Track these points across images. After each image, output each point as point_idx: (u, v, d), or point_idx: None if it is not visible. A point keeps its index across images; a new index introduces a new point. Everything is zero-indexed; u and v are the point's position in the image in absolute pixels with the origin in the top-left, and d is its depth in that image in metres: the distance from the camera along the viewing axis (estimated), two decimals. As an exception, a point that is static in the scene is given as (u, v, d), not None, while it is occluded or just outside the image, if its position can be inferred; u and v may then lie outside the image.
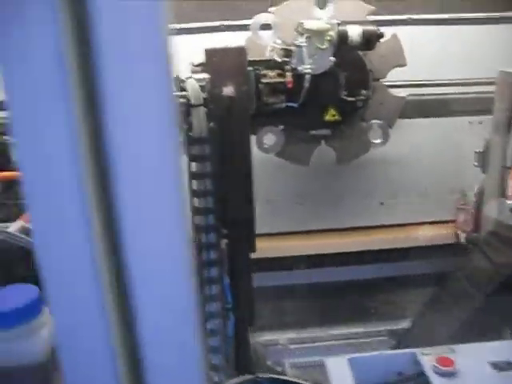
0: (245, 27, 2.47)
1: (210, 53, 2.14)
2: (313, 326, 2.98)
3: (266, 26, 2.36)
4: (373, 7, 2.40)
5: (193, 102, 1.88)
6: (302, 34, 2.20)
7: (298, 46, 2.20)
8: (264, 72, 2.22)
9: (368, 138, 2.56)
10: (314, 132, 2.48)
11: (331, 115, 2.45)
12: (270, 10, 2.37)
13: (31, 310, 1.19)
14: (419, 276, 2.94)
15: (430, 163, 2.92)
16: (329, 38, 2.19)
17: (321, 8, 2.35)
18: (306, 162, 2.57)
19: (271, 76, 2.20)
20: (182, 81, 1.90)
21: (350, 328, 2.99)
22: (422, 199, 2.98)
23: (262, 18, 2.32)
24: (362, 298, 3.02)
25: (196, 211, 1.95)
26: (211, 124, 1.90)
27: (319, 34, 2.18)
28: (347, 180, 2.92)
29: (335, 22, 2.19)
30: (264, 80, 2.20)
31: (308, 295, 3.00)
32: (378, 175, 2.93)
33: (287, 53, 2.28)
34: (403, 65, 2.46)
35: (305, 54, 2.20)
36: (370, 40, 2.22)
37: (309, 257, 2.87)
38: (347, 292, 2.97)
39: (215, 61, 2.13)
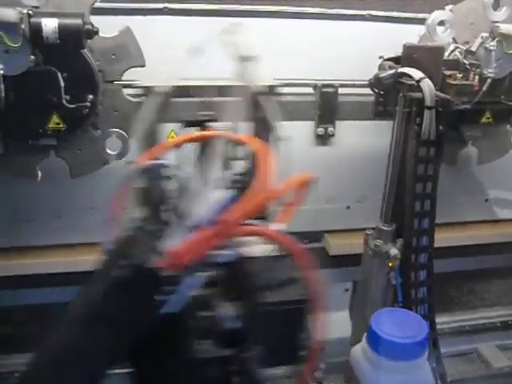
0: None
1: (411, 49, 2.10)
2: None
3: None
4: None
5: (428, 103, 1.84)
6: (493, 38, 2.18)
7: (488, 50, 2.19)
8: (449, 73, 2.19)
9: (510, 140, 2.62)
10: (468, 133, 2.49)
11: (486, 118, 2.47)
12: (446, 7, 2.33)
13: (424, 344, 1.14)
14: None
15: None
16: (518, 43, 2.19)
17: (495, 9, 2.34)
18: (454, 161, 2.59)
19: (458, 78, 2.17)
20: (418, 80, 1.84)
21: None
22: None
23: (441, 15, 2.28)
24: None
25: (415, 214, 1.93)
26: (440, 127, 1.87)
27: (511, 38, 2.18)
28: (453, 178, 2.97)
29: (528, 27, 2.19)
30: (451, 81, 2.17)
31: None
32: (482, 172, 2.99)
33: (469, 54, 2.27)
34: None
35: (493, 57, 2.19)
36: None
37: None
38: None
39: (415, 57, 2.09)
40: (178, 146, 1.68)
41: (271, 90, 1.74)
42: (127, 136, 2.18)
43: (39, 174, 2.22)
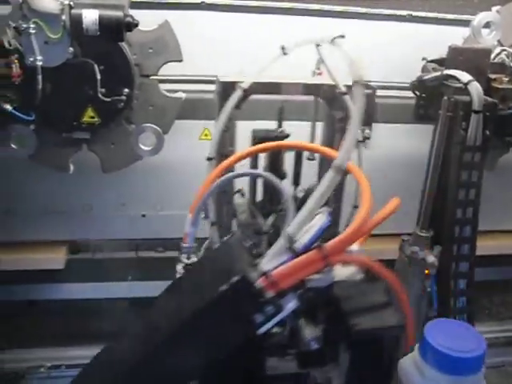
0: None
1: (456, 51, 2.04)
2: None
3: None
4: None
5: (476, 107, 1.77)
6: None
7: (536, 53, 2.12)
8: (495, 76, 2.12)
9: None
10: (508, 138, 2.42)
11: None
12: (493, 8, 2.26)
13: (482, 360, 1.07)
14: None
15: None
16: None
17: (543, 12, 2.27)
18: (492, 167, 2.52)
19: (504, 81, 2.10)
20: (466, 83, 1.78)
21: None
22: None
23: (487, 16, 2.21)
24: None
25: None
26: (487, 132, 1.81)
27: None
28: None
29: None
30: (496, 85, 2.10)
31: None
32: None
33: (515, 57, 2.20)
34: None
35: (540, 61, 2.12)
36: None
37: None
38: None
39: (461, 60, 2.03)
40: (254, 154, 1.67)
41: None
42: (162, 131, 2.15)
43: (71, 167, 2.19)
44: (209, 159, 1.62)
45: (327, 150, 1.56)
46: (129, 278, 2.66)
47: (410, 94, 2.35)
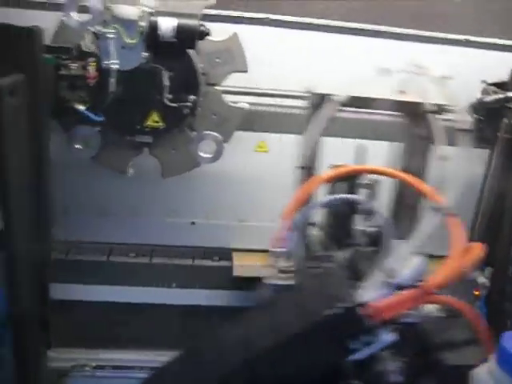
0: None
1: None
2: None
3: None
4: None
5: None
6: None
7: None
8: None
9: None
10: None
11: None
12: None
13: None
14: None
15: None
16: None
17: None
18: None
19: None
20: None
21: None
22: None
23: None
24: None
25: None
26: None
27: None
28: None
29: None
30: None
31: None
32: None
33: None
34: None
35: None
36: None
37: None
38: None
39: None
40: (357, 173, 1.68)
41: (439, 109, 1.75)
42: (222, 140, 2.20)
43: (131, 170, 2.25)
44: (302, 168, 1.65)
45: (428, 190, 1.60)
46: (173, 285, 2.68)
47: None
